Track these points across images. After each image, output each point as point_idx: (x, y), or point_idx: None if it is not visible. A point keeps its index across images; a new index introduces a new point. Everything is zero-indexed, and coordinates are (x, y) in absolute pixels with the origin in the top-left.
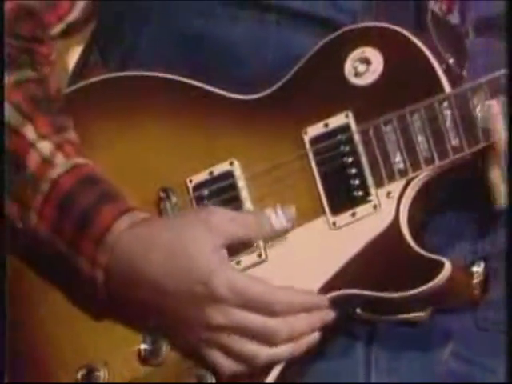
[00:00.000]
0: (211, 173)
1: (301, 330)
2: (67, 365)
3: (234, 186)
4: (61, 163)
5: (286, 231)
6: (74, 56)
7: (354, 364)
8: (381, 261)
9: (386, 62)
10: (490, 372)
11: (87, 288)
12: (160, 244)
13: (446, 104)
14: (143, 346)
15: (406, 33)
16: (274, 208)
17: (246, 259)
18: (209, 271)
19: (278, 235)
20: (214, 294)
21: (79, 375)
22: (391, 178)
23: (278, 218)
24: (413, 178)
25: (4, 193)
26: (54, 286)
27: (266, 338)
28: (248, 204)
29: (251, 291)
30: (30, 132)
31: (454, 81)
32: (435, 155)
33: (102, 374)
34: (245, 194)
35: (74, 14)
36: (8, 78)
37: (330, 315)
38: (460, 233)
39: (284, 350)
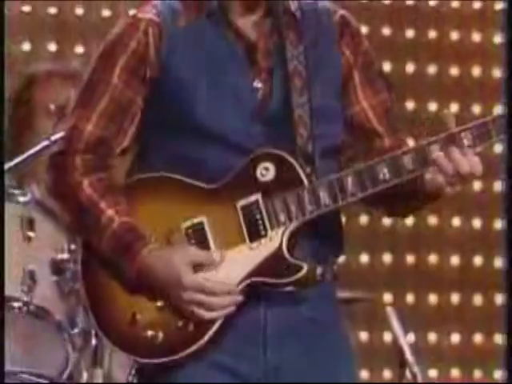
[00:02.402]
0: (193, 222)
1: (226, 304)
2: (120, 310)
3: (203, 229)
4: (117, 220)
5: (219, 261)
6: (126, 164)
7: (259, 315)
8: (272, 265)
9: (277, 170)
10: (332, 320)
11: (128, 279)
12: (162, 261)
13: (305, 192)
14: (159, 304)
15: (286, 155)
16: (216, 250)
17: (205, 269)
18: (180, 274)
19: (216, 261)
20: (183, 286)
21: (127, 319)
22: (278, 225)
23: (216, 254)
24: (288, 226)
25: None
26: (114, 274)
27: (209, 308)
28: (210, 236)
29: (202, 284)
30: (103, 205)
31: (310, 180)
32: (299, 215)
33: (139, 317)
34: (208, 233)
35: (125, 143)
36: (93, 176)
37: (239, 298)
38: (315, 251)
39: (218, 314)
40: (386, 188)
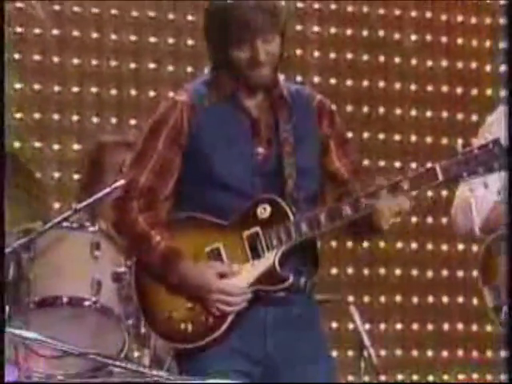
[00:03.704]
0: (212, 247)
1: (240, 301)
2: (161, 309)
3: (220, 253)
4: (162, 243)
5: (237, 270)
6: (167, 207)
7: (260, 313)
8: (268, 277)
9: (272, 209)
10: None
11: (171, 284)
12: (195, 272)
13: (291, 225)
14: (189, 305)
15: (278, 199)
16: (229, 261)
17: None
18: (209, 282)
19: (232, 271)
20: (212, 290)
21: (166, 315)
22: (272, 248)
23: (235, 266)
24: (280, 249)
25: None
26: (157, 283)
27: (229, 304)
28: (224, 257)
29: (224, 288)
30: (152, 233)
31: (294, 216)
32: (288, 241)
33: (175, 314)
34: (223, 255)
35: (167, 192)
36: (145, 214)
37: (249, 296)
38: (299, 267)
39: (234, 308)
40: (353, 224)
